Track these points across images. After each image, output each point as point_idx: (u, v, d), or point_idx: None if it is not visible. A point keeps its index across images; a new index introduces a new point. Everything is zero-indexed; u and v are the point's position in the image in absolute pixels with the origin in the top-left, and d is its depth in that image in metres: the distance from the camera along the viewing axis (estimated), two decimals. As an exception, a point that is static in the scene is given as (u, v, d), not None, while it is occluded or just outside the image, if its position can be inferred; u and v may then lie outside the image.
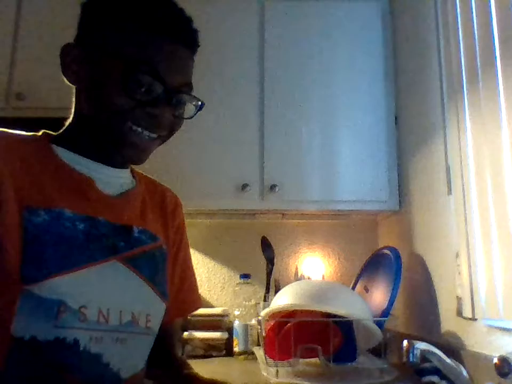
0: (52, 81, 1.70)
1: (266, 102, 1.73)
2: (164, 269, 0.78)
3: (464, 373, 1.03)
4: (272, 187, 1.66)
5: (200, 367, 1.50)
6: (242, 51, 1.77)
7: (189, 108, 0.78)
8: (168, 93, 0.71)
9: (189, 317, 1.75)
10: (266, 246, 1.79)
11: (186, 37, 0.75)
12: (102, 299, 0.65)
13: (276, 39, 1.78)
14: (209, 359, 1.66)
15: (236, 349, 1.69)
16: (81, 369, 0.62)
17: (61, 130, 0.75)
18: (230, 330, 1.74)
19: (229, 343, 1.72)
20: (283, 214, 1.91)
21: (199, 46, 0.78)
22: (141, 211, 0.77)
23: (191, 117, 0.78)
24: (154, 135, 0.72)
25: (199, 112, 0.79)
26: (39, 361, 0.60)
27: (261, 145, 1.71)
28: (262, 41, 1.78)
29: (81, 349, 0.62)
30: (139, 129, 0.69)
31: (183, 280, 0.87)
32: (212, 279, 1.94)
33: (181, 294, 0.86)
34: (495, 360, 0.84)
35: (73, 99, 0.74)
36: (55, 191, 0.67)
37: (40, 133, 0.74)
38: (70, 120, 0.75)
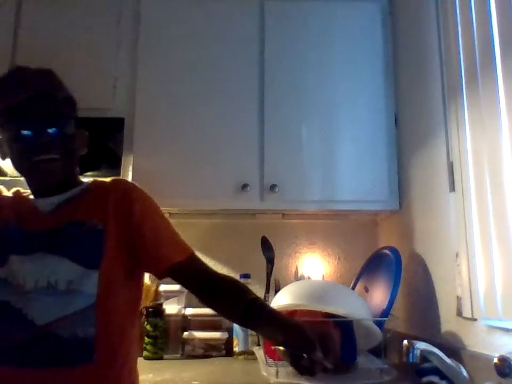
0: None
1: (266, 102, 1.74)
2: (98, 243, 0.99)
3: (464, 373, 1.03)
4: (272, 187, 1.66)
5: (200, 367, 1.51)
6: (242, 51, 1.77)
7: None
8: (39, 129, 0.99)
9: (189, 317, 1.75)
10: (266, 246, 1.79)
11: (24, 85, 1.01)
12: (21, 275, 0.96)
13: (276, 39, 1.78)
14: (209, 359, 1.66)
15: (235, 349, 1.69)
16: (9, 318, 0.95)
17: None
18: (230, 330, 1.74)
19: (229, 343, 1.72)
20: (283, 214, 1.91)
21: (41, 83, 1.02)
22: (72, 210, 1.02)
23: (70, 133, 1.03)
24: (44, 157, 0.99)
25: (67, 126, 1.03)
26: None
27: (261, 145, 1.71)
28: (262, 41, 1.78)
29: (11, 305, 0.95)
30: (37, 157, 0.98)
31: (156, 240, 1.05)
32: (212, 279, 1.94)
33: (159, 250, 1.04)
34: (495, 360, 0.84)
35: None
36: (16, 216, 1.03)
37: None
38: None
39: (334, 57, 1.78)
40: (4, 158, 1.05)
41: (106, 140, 1.70)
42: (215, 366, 1.55)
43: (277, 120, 1.72)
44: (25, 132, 0.98)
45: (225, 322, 1.77)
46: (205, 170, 1.69)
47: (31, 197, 1.07)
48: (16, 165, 1.02)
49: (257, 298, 0.97)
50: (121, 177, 1.16)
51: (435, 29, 1.37)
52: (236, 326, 1.71)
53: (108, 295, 0.98)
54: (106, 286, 0.98)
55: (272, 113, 1.73)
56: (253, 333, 1.69)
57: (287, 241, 1.97)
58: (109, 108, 1.72)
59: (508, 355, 0.84)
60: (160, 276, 1.08)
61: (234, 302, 0.98)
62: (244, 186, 1.66)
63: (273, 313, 0.96)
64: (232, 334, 1.72)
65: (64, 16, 1.78)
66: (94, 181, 1.11)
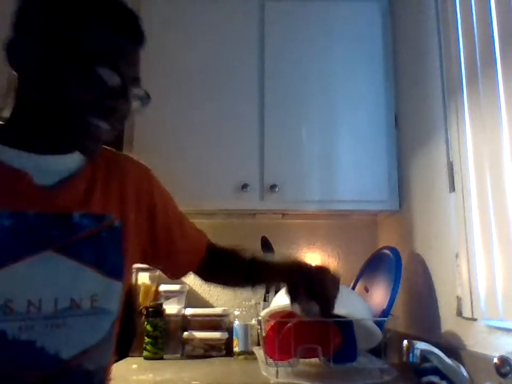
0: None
1: (266, 101, 1.73)
2: (117, 246, 0.79)
3: (464, 373, 1.03)
4: (272, 187, 1.66)
5: (200, 367, 1.51)
6: (242, 51, 1.77)
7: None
8: (124, 85, 0.73)
9: (189, 317, 1.75)
10: (266, 246, 1.79)
11: (136, 33, 0.75)
12: (31, 291, 0.69)
13: (276, 39, 1.78)
14: (209, 359, 1.66)
15: (235, 349, 1.69)
16: (11, 357, 0.67)
17: (1, 123, 0.75)
18: (230, 330, 1.74)
19: (229, 343, 1.72)
20: (283, 214, 1.91)
21: (145, 42, 0.78)
22: (86, 193, 0.77)
23: (140, 110, 0.81)
24: (110, 127, 0.73)
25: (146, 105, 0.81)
26: None
27: (261, 145, 1.71)
28: (262, 41, 1.78)
29: (9, 339, 0.66)
30: (97, 121, 0.71)
31: (184, 232, 0.98)
32: (212, 279, 1.94)
33: (189, 243, 0.99)
34: (495, 360, 0.84)
35: (14, 89, 0.74)
36: None
37: None
38: (9, 112, 0.74)
39: (334, 57, 1.77)
40: (23, 72, 0.71)
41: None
42: (215, 366, 1.55)
43: (277, 120, 1.72)
44: (114, 78, 0.70)
45: (225, 322, 1.78)
46: (205, 170, 1.69)
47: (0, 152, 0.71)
48: (54, 103, 0.70)
49: (252, 258, 0.97)
50: (130, 155, 0.93)
51: (435, 29, 1.37)
52: (236, 326, 1.71)
53: (119, 310, 0.80)
54: (122, 298, 0.81)
55: (272, 113, 1.73)
56: (253, 333, 1.69)
57: (287, 241, 1.97)
58: (109, 107, 1.72)
59: (507, 355, 0.84)
60: (182, 274, 1.02)
61: (238, 272, 0.97)
62: (244, 186, 1.66)
63: (268, 264, 0.96)
64: (232, 334, 1.72)
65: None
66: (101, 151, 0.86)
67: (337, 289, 0.83)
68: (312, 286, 0.81)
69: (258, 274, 0.96)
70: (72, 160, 0.78)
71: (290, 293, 0.84)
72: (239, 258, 0.99)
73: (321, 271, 0.84)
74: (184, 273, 1.02)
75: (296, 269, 0.86)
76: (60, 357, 0.70)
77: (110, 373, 0.81)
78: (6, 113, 0.75)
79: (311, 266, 0.86)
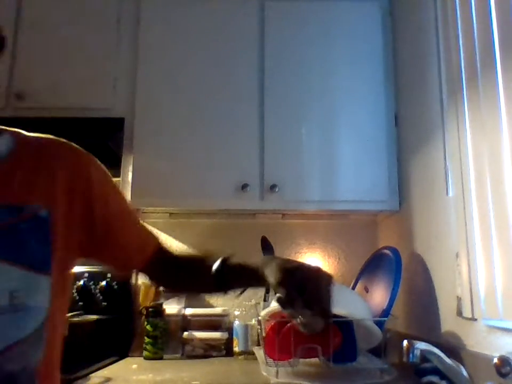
0: (52, 81, 1.71)
1: (266, 101, 1.73)
2: (42, 237, 0.74)
3: (464, 373, 1.03)
4: (272, 187, 1.66)
5: (200, 367, 1.51)
6: (242, 51, 1.77)
7: None
8: None
9: (189, 317, 1.75)
10: (266, 246, 1.79)
11: None
12: None
13: (276, 39, 1.78)
14: (209, 359, 1.66)
15: (235, 349, 1.69)
16: None
17: None
18: (230, 330, 1.74)
19: (229, 343, 1.72)
20: (283, 214, 1.91)
21: None
22: (5, 183, 0.73)
23: None
24: None
25: None
26: None
27: (261, 145, 1.71)
28: (262, 41, 1.78)
29: None
30: None
31: (126, 227, 0.89)
32: (212, 279, 1.94)
33: (133, 239, 0.90)
34: (495, 360, 0.84)
35: None
36: None
37: None
38: None
39: (334, 57, 1.77)
40: None
41: (106, 140, 1.70)
42: (215, 366, 1.55)
43: (277, 120, 1.72)
44: None
45: (225, 322, 1.78)
46: (205, 170, 1.69)
47: None
48: None
49: (223, 262, 0.90)
50: (56, 137, 0.84)
51: (435, 29, 1.37)
52: (236, 326, 1.71)
53: (57, 307, 0.75)
54: (57, 295, 0.75)
55: (272, 113, 1.73)
56: (253, 333, 1.69)
57: (287, 241, 1.97)
58: (109, 107, 1.72)
59: (508, 355, 0.84)
60: (131, 270, 0.97)
61: (203, 277, 0.90)
62: (244, 186, 1.66)
63: (247, 269, 0.88)
64: (232, 334, 1.72)
65: (64, 15, 1.78)
66: (19, 136, 0.80)
67: (330, 294, 0.73)
68: (307, 295, 0.71)
69: (234, 280, 0.89)
70: None
71: (284, 304, 0.74)
72: (204, 263, 0.91)
73: (314, 276, 0.74)
74: (128, 269, 0.96)
75: (286, 276, 0.74)
76: None
77: (49, 376, 0.75)
78: None
79: (302, 271, 0.74)
